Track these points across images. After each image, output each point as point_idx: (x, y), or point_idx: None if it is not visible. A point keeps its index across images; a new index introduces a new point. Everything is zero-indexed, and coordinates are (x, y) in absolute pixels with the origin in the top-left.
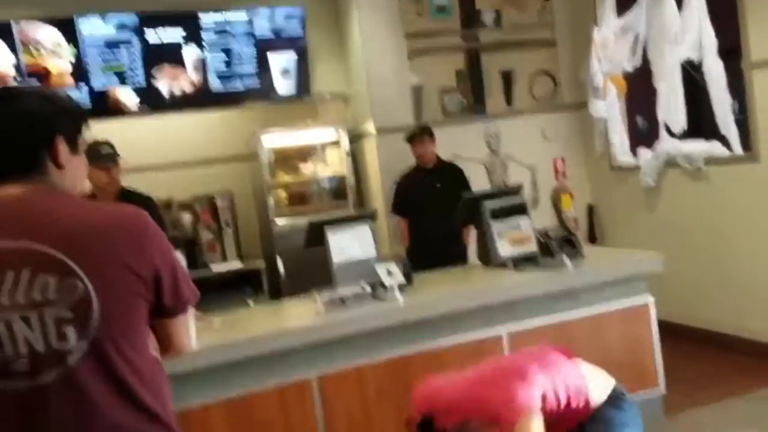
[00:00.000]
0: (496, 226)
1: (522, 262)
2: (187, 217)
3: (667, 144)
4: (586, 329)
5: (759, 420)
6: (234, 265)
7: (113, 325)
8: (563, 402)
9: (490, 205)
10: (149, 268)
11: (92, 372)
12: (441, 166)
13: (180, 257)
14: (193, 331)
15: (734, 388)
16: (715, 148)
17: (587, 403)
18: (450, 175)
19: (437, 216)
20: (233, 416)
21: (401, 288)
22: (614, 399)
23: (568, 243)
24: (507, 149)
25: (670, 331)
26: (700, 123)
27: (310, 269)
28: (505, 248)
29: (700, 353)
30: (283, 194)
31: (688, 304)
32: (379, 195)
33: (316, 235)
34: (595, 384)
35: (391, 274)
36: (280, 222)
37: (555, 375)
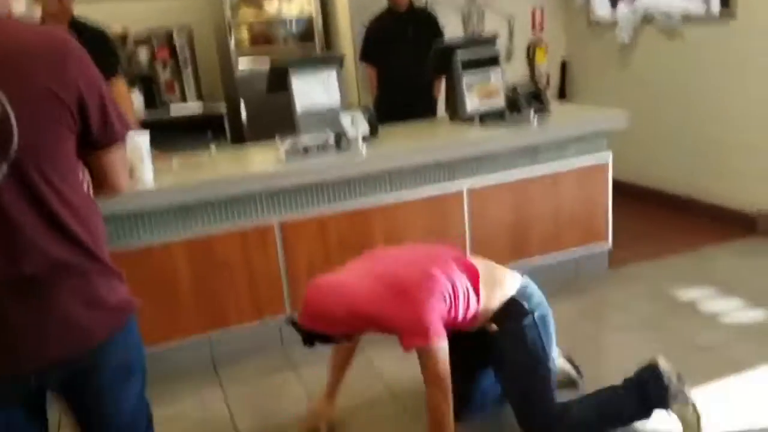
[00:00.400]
0: (467, 78)
1: (488, 116)
2: (143, 53)
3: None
4: (544, 186)
5: (695, 275)
6: (194, 107)
7: (35, 151)
8: (461, 310)
9: (462, 55)
10: (72, 92)
11: (15, 195)
12: (414, 11)
13: (137, 96)
14: (136, 170)
15: (678, 245)
16: (693, 4)
17: (481, 308)
18: (423, 21)
19: (407, 65)
20: (195, 255)
21: (365, 139)
22: (508, 315)
23: (536, 98)
24: None
25: (623, 189)
26: None
27: (274, 115)
28: (473, 102)
29: (650, 212)
30: (245, 33)
31: (645, 163)
32: (348, 39)
33: (279, 80)
34: (492, 287)
35: (356, 124)
36: (243, 62)
37: (455, 280)
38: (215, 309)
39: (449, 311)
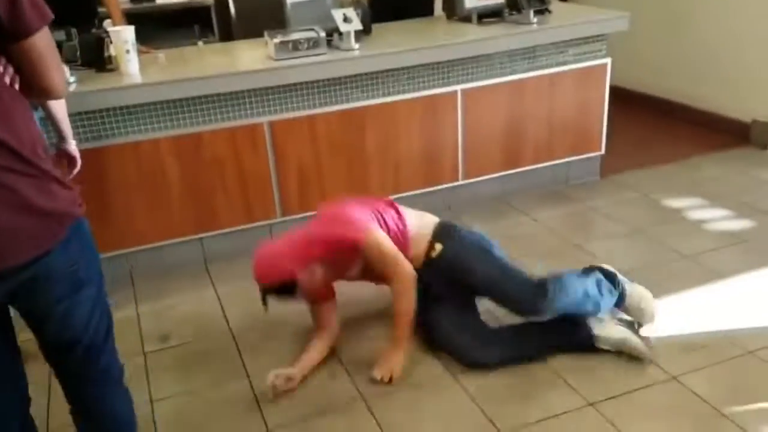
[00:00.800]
0: None
1: (486, 15)
2: None
3: None
4: (540, 88)
5: (685, 184)
6: None
7: None
8: (391, 224)
9: None
10: None
11: None
12: None
13: None
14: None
15: (671, 154)
16: None
17: (407, 239)
18: None
19: None
20: (183, 153)
21: (358, 36)
22: (443, 234)
23: None
24: None
25: (620, 95)
26: None
27: (264, 11)
28: None
29: (646, 120)
30: None
31: (643, 70)
32: None
33: None
34: (419, 217)
35: (349, 20)
36: None
37: (376, 204)
38: (206, 209)
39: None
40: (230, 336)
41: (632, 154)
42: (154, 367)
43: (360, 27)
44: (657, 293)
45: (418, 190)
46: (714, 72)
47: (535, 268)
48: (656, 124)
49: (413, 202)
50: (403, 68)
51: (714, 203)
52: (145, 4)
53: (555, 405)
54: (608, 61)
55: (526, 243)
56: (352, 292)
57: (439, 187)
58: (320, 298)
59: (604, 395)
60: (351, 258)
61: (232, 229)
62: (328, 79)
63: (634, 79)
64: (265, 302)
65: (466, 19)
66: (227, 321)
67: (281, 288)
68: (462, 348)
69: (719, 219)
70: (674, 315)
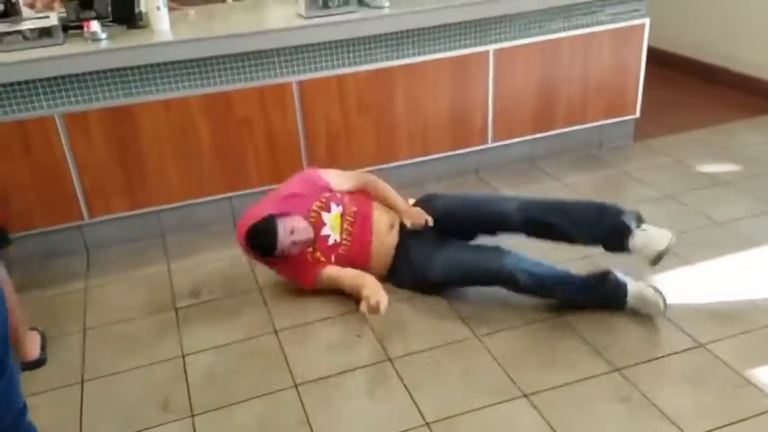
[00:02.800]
0: None
1: None
2: None
3: None
4: (574, 48)
5: (721, 150)
6: None
7: None
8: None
9: None
10: None
11: None
12: None
13: None
14: None
15: (707, 119)
16: None
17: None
18: None
19: None
20: (212, 111)
21: None
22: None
23: None
24: None
25: (656, 56)
26: None
27: None
28: None
29: (683, 82)
30: None
31: (682, 30)
32: None
33: None
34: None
35: None
36: None
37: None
38: (235, 168)
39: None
40: (259, 292)
41: (667, 119)
42: (185, 322)
43: None
44: (689, 260)
45: (446, 152)
46: (754, 34)
47: None
48: (693, 88)
49: (441, 165)
50: (433, 27)
51: (750, 170)
52: None
53: (580, 369)
54: (646, 21)
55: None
56: None
57: (468, 150)
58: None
59: (630, 361)
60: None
61: (261, 188)
62: (358, 38)
63: (672, 40)
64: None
65: None
66: (256, 278)
67: (260, 239)
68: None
69: (754, 186)
70: (705, 282)
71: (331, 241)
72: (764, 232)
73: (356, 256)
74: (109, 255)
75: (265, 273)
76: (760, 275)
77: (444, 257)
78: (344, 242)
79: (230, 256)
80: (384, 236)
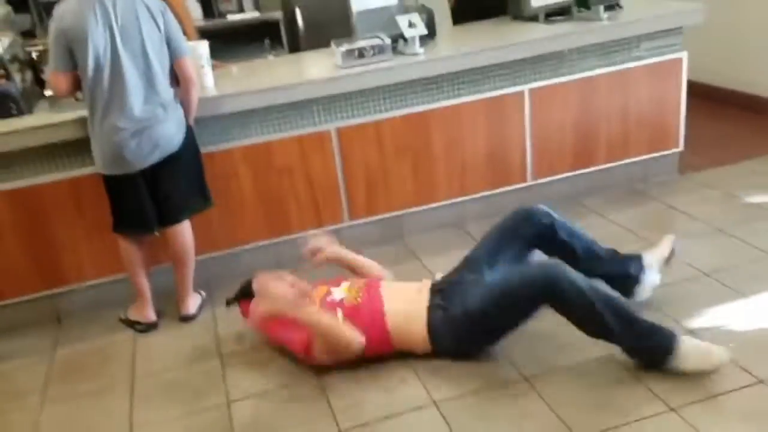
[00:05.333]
0: None
1: (554, 14)
2: None
3: None
4: (612, 84)
5: (763, 181)
6: (251, 15)
7: None
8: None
9: None
10: None
11: None
12: None
13: (194, 5)
14: None
15: (754, 150)
16: None
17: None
18: None
19: None
20: (254, 160)
21: (423, 41)
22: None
23: None
24: None
25: (697, 89)
26: None
27: (331, 21)
28: None
29: (727, 115)
30: None
31: (723, 63)
32: None
33: None
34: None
35: (413, 25)
36: None
37: None
38: (277, 215)
39: None
40: None
41: (713, 151)
42: (230, 368)
43: (425, 32)
44: (742, 293)
45: (486, 191)
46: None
47: None
48: (737, 119)
49: (482, 204)
50: (467, 70)
51: None
52: (218, 21)
53: (635, 410)
54: (684, 54)
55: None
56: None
57: (507, 188)
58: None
59: (687, 400)
60: None
61: (303, 233)
62: (394, 84)
63: (712, 72)
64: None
65: (533, 18)
66: None
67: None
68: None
69: None
70: (760, 316)
71: (337, 298)
72: None
73: (369, 324)
74: (155, 304)
75: None
76: None
77: (483, 286)
78: (353, 300)
79: None
80: (404, 303)
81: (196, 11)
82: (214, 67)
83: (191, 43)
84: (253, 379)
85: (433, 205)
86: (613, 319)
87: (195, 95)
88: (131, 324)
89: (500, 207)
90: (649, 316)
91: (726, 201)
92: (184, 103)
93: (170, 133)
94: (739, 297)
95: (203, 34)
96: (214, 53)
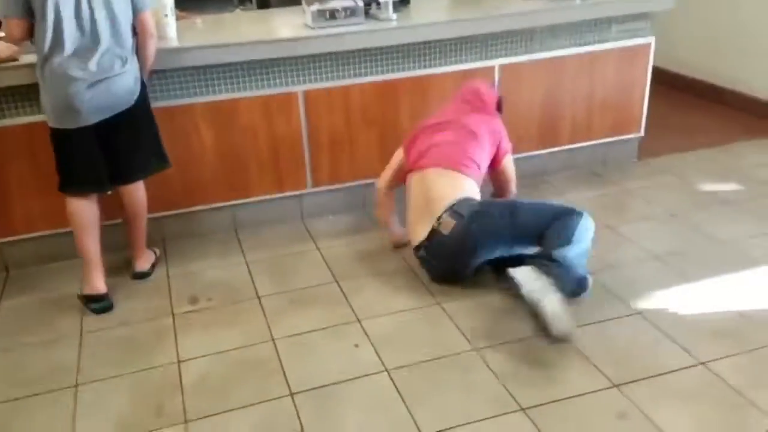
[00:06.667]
0: None
1: None
2: None
3: None
4: (580, 65)
5: (724, 169)
6: None
7: None
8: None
9: None
10: None
11: None
12: None
13: None
14: None
15: (712, 139)
16: None
17: None
18: None
19: None
20: (216, 118)
21: (396, 7)
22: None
23: None
24: None
25: (662, 76)
26: None
27: None
28: None
29: (688, 103)
30: None
31: (688, 52)
32: None
33: None
34: None
35: None
36: None
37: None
38: (238, 177)
39: None
40: (257, 301)
41: (672, 138)
42: (182, 329)
43: None
44: (689, 277)
45: None
46: (762, 56)
47: None
48: (699, 109)
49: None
50: (440, 41)
51: (753, 190)
52: None
53: (579, 385)
54: (652, 40)
55: None
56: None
57: None
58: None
59: (629, 377)
60: None
61: (263, 197)
62: (364, 50)
63: (678, 60)
64: None
65: None
66: (255, 287)
67: None
68: None
69: (758, 207)
70: (706, 300)
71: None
72: (763, 251)
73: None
74: (105, 261)
75: (265, 283)
76: (760, 295)
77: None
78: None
79: (230, 265)
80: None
81: None
82: (178, 18)
83: None
84: (206, 340)
85: None
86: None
87: (153, 49)
88: (86, 301)
89: None
90: (598, 294)
91: (681, 188)
92: (141, 58)
93: (127, 87)
94: (686, 281)
95: None
96: (180, 4)
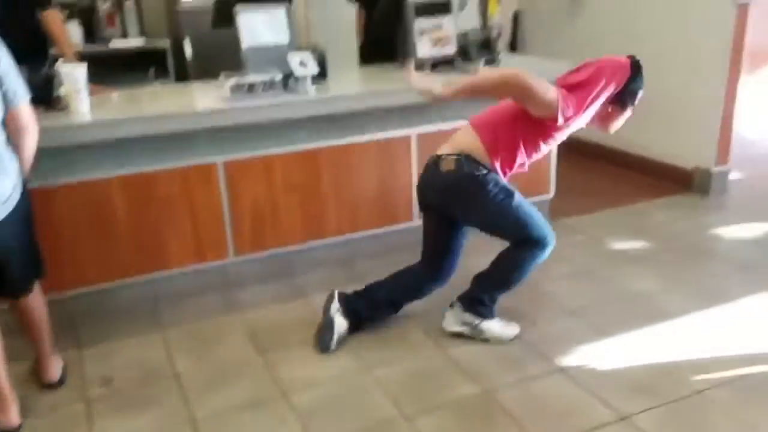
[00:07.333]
0: (419, 24)
1: (440, 64)
2: None
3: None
4: None
5: (632, 228)
6: (136, 42)
7: None
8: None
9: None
10: None
11: None
12: None
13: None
14: None
15: (618, 200)
16: None
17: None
18: None
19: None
20: (132, 191)
21: (315, 80)
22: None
23: (486, 47)
24: None
25: (568, 143)
26: None
27: (220, 52)
28: (424, 48)
29: (594, 167)
30: None
31: None
32: None
33: (224, 14)
34: None
35: (305, 64)
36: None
37: None
38: (156, 250)
39: None
40: (174, 380)
41: (582, 200)
42: (96, 412)
43: (316, 71)
44: (606, 332)
45: (376, 229)
46: (658, 120)
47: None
48: (606, 172)
49: (370, 242)
50: (357, 111)
51: (659, 246)
52: (100, 46)
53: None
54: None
55: None
56: None
57: (396, 227)
58: None
59: None
60: None
61: (183, 269)
62: (285, 120)
63: (584, 129)
64: None
65: (420, 66)
66: (173, 365)
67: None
68: None
69: (663, 262)
70: (625, 354)
71: None
72: (675, 304)
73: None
74: (10, 345)
75: (184, 360)
76: (676, 346)
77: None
78: None
79: (147, 342)
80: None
81: (76, 35)
82: (92, 92)
83: (67, 66)
84: (120, 424)
85: (322, 241)
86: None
87: (31, 145)
88: None
89: (388, 245)
90: (521, 352)
91: (593, 246)
92: (19, 156)
93: (6, 191)
94: (603, 336)
95: (83, 59)
96: (95, 80)
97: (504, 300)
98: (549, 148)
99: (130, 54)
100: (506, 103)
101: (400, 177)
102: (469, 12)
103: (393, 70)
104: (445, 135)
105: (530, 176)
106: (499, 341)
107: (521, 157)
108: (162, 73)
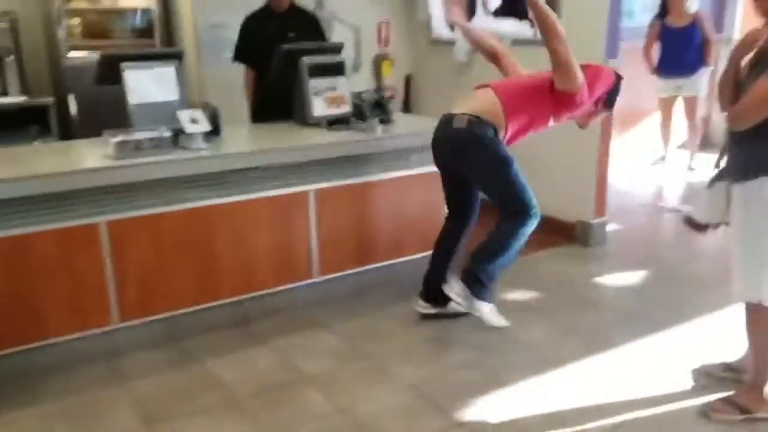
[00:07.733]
0: (313, 84)
1: (335, 123)
2: None
3: (480, 20)
4: (387, 190)
5: (523, 278)
6: (17, 99)
7: None
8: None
9: (308, 61)
10: None
11: None
12: (295, 12)
13: None
14: None
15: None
16: (524, 29)
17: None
18: (305, 22)
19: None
20: (6, 255)
21: (207, 138)
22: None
23: (380, 107)
24: (332, 6)
25: None
26: (515, 1)
27: (106, 109)
28: (319, 108)
29: (486, 223)
30: (77, 24)
31: None
32: (191, 36)
33: (109, 71)
34: None
35: (196, 121)
36: (74, 55)
37: None
38: (32, 318)
39: None
40: None
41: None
42: None
43: (207, 128)
44: (505, 382)
45: (273, 288)
46: (542, 181)
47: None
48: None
49: (267, 301)
50: (252, 168)
51: (550, 295)
52: None
53: None
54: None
55: (383, 339)
56: None
57: (294, 284)
58: None
59: None
60: None
61: (62, 338)
62: (174, 178)
63: None
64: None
65: (316, 124)
66: None
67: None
68: None
69: (557, 309)
70: (522, 403)
71: None
72: (566, 350)
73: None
74: None
75: None
76: (570, 393)
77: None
78: None
79: (21, 419)
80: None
81: None
82: None
83: None
84: None
85: (216, 302)
86: (501, 261)
87: None
88: None
89: (286, 303)
90: (419, 408)
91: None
92: None
93: None
94: (500, 386)
95: None
96: None
97: (401, 355)
98: (551, 126)
99: (10, 111)
100: (529, 76)
101: (297, 233)
102: (363, 74)
103: (287, 129)
104: (344, 190)
105: (424, 230)
106: (490, 324)
107: (530, 127)
108: (45, 131)
